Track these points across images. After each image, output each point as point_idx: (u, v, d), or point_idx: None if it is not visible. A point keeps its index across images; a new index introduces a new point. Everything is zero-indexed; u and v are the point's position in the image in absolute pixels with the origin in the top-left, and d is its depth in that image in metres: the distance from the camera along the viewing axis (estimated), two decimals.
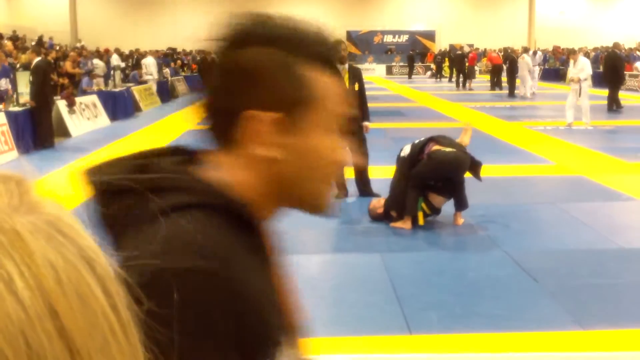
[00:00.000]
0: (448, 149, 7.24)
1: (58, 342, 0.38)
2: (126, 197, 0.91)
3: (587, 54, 36.60)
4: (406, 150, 7.52)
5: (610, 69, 20.82)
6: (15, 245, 0.38)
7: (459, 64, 32.87)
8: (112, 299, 0.42)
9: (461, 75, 32.19)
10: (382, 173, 8.81)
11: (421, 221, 7.39)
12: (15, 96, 13.72)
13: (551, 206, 8.37)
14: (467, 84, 31.42)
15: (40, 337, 0.37)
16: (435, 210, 7.50)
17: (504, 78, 27.97)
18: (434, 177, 7.30)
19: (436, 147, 7.27)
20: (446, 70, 40.74)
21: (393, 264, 6.19)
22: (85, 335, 0.39)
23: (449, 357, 4.41)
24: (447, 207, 7.51)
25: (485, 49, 43.67)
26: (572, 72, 16.61)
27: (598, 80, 31.55)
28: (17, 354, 0.36)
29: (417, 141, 7.55)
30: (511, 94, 26.09)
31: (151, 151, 1.10)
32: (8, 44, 21.76)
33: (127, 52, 30.10)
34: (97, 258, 0.42)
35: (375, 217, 7.67)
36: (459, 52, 34.72)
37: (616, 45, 23.31)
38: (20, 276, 0.38)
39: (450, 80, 37.81)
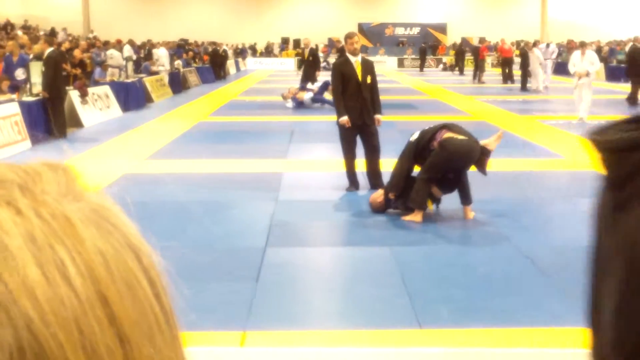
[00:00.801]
0: (460, 137, 7.20)
1: (109, 330, 0.38)
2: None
3: (599, 48, 36.48)
4: (415, 135, 7.51)
5: (632, 62, 20.71)
6: (67, 232, 0.39)
7: (474, 57, 32.85)
8: (156, 288, 0.42)
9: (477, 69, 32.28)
10: (393, 166, 8.80)
11: (430, 206, 7.43)
12: (28, 86, 13.79)
13: (563, 201, 8.34)
14: (479, 77, 31.32)
15: (92, 323, 0.38)
16: (435, 200, 7.51)
17: (517, 71, 27.83)
18: (447, 168, 7.27)
19: (448, 135, 7.22)
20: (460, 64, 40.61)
21: (403, 258, 6.19)
22: (134, 323, 0.40)
23: (459, 352, 4.42)
24: (457, 201, 7.50)
25: (497, 42, 43.51)
26: (579, 65, 16.37)
27: (612, 74, 31.44)
28: (69, 339, 0.37)
29: (427, 128, 7.51)
30: (523, 88, 25.97)
31: None
32: (23, 37, 21.83)
33: (139, 43, 30.09)
34: (142, 246, 0.43)
35: (377, 208, 7.68)
36: (478, 45, 34.66)
37: (637, 39, 23.16)
38: (72, 262, 0.38)
39: (461, 74, 37.73)
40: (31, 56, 15.42)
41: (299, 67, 23.11)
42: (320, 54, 26.12)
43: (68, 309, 0.37)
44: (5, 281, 0.36)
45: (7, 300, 0.36)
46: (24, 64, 14.41)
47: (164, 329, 0.42)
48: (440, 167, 7.25)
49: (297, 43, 50.54)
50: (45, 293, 0.37)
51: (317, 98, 18.75)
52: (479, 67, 31.80)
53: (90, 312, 0.38)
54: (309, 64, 20.86)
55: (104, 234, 0.40)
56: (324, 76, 21.25)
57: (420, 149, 7.34)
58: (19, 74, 14.14)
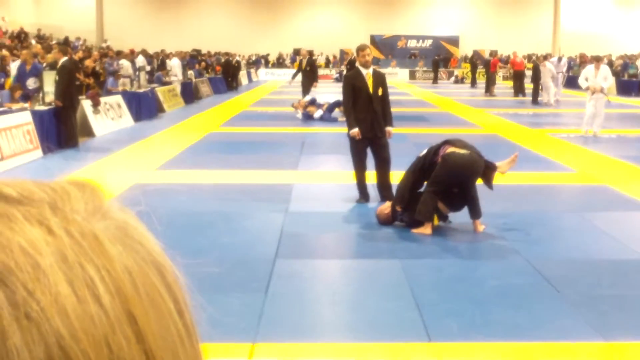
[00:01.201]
0: (462, 151, 7.25)
1: (136, 347, 0.39)
2: None
3: (611, 62, 36.39)
4: (423, 151, 7.61)
5: None
6: (96, 250, 0.40)
7: (485, 70, 32.89)
8: (179, 304, 0.44)
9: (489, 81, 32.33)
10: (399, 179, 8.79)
11: (436, 221, 7.45)
12: (41, 95, 13.87)
13: (573, 215, 8.31)
14: (490, 90, 31.33)
15: (120, 341, 0.39)
16: (442, 217, 7.54)
17: (529, 85, 27.82)
18: (450, 181, 7.31)
19: (451, 149, 7.30)
20: (468, 76, 40.67)
21: (413, 271, 6.17)
22: (159, 340, 0.41)
23: None
24: (467, 214, 7.49)
25: (509, 55, 43.49)
26: (592, 80, 15.95)
27: (623, 88, 31.33)
28: (99, 356, 0.38)
29: (434, 144, 7.60)
30: (534, 101, 25.94)
31: None
32: (37, 46, 21.98)
33: (152, 53, 30.26)
34: (165, 263, 0.44)
35: (384, 220, 7.69)
36: (489, 58, 34.73)
37: None
38: (101, 281, 0.39)
39: (472, 86, 37.73)
40: (44, 65, 15.51)
41: (293, 77, 22.29)
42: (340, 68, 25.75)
43: (98, 326, 0.38)
44: (37, 299, 0.37)
45: (39, 318, 0.37)
46: (37, 73, 14.50)
47: (187, 345, 0.43)
48: (443, 180, 7.30)
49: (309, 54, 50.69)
50: (75, 311, 0.38)
51: (326, 117, 18.82)
52: (490, 80, 31.81)
53: (118, 329, 0.39)
54: (306, 74, 20.61)
55: (130, 252, 0.42)
56: (336, 87, 21.25)
57: (427, 165, 7.41)
58: (31, 83, 14.22)
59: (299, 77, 21.60)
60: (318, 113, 19.04)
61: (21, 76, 14.65)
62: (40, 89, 13.95)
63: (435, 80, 43.07)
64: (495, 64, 32.23)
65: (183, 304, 0.44)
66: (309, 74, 20.64)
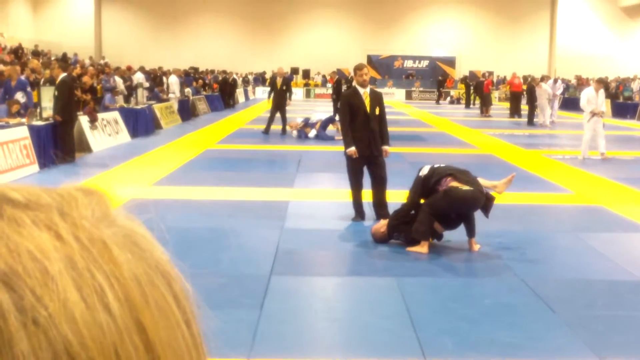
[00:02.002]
0: (465, 188, 7.24)
1: (145, 357, 0.39)
2: None
3: (607, 85, 36.54)
4: (424, 171, 7.56)
5: None
6: (105, 257, 0.39)
7: (480, 90, 33.05)
8: (187, 315, 0.43)
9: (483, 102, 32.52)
10: (400, 197, 8.81)
11: (430, 240, 7.50)
12: (38, 111, 13.89)
13: (569, 235, 8.32)
14: (484, 111, 31.47)
15: (129, 350, 0.38)
16: (438, 236, 7.56)
17: (524, 106, 27.93)
18: (449, 212, 7.39)
19: (454, 184, 7.28)
20: (464, 96, 40.87)
21: (408, 289, 6.18)
22: (168, 350, 0.40)
23: None
24: (463, 232, 7.50)
25: (505, 77, 43.78)
26: (595, 103, 15.49)
27: (618, 110, 31.49)
28: None
29: (437, 166, 7.57)
30: (530, 122, 26.04)
31: None
32: (34, 61, 22.04)
33: (149, 69, 30.34)
34: (172, 272, 0.44)
35: (379, 239, 7.70)
36: (482, 79, 34.89)
37: None
38: (110, 288, 0.38)
39: (467, 107, 37.91)
40: (42, 80, 15.55)
41: (269, 96, 20.85)
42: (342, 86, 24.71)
43: (106, 334, 0.37)
44: (45, 305, 0.36)
45: (47, 324, 0.36)
46: (23, 87, 14.57)
47: (194, 356, 0.43)
48: (443, 210, 7.37)
49: (306, 73, 50.85)
50: (84, 318, 0.37)
51: (321, 135, 18.93)
52: (484, 101, 32.01)
53: (127, 338, 0.38)
54: (280, 94, 19.79)
55: (138, 260, 0.41)
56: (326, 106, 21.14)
57: (427, 188, 7.41)
58: (19, 97, 14.27)
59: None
60: (312, 133, 19.15)
61: (7, 92, 14.69)
62: (32, 104, 13.99)
63: (438, 100, 43.22)
64: (489, 84, 32.35)
65: (190, 314, 0.43)
66: (284, 93, 20.05)
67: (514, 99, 30.20)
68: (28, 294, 0.36)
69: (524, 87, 30.43)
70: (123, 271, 0.40)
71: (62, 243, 0.39)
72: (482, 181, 7.67)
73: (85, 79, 19.34)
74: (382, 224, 7.76)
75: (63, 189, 0.44)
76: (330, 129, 19.03)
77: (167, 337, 0.40)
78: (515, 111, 29.79)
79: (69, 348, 0.36)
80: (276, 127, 20.04)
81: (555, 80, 28.93)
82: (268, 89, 23.14)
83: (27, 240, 0.38)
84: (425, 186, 7.45)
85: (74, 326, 0.37)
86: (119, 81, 21.61)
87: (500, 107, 36.09)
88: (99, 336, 0.37)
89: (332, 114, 21.92)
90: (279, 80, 20.18)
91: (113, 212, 0.44)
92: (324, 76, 49.89)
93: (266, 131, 19.84)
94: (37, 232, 0.39)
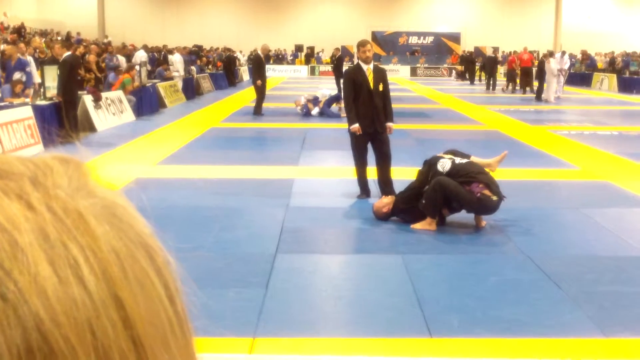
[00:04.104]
0: (495, 198, 7.25)
1: (123, 333, 0.36)
2: None
3: (613, 59, 36.38)
4: (445, 167, 7.43)
5: None
6: (80, 229, 0.37)
7: (489, 67, 32.82)
8: (170, 290, 0.40)
9: (491, 79, 32.29)
10: (404, 174, 8.79)
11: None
12: (42, 90, 13.87)
13: (575, 211, 8.30)
14: (492, 86, 31.24)
15: (105, 326, 0.36)
16: (442, 219, 7.55)
17: (535, 82, 27.70)
18: (467, 209, 7.40)
19: (487, 192, 7.22)
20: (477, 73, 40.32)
21: (414, 266, 6.17)
22: (148, 326, 0.38)
23: None
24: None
25: (510, 52, 43.51)
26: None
27: (624, 85, 31.30)
28: (82, 342, 0.35)
29: (458, 161, 7.47)
30: (538, 98, 25.88)
31: None
32: (36, 40, 21.98)
33: (152, 47, 30.27)
34: (155, 246, 0.41)
35: (380, 217, 7.68)
36: (491, 55, 34.61)
37: None
38: (85, 261, 0.36)
39: (471, 83, 37.70)
40: (46, 59, 15.54)
41: (256, 78, 19.07)
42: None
43: (81, 310, 0.35)
44: (15, 279, 0.34)
45: (16, 299, 0.34)
46: (22, 67, 14.56)
47: (178, 334, 0.40)
48: (462, 206, 7.36)
49: (311, 50, 50.59)
50: (57, 293, 0.35)
51: (326, 112, 18.86)
52: (492, 77, 31.80)
53: (104, 314, 0.36)
54: (262, 72, 18.78)
55: (117, 232, 0.39)
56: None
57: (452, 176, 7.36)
58: (17, 76, 14.27)
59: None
60: (315, 110, 19.04)
61: (7, 71, 14.69)
62: (27, 83, 14.01)
63: (472, 80, 38.87)
64: (512, 61, 31.01)
65: (174, 289, 0.41)
66: (256, 69, 18.92)
67: (525, 74, 29.87)
68: None
69: (535, 62, 30.19)
70: (100, 243, 0.37)
71: (33, 213, 0.36)
72: (476, 159, 7.66)
73: (91, 57, 19.28)
74: (385, 203, 7.72)
75: (39, 157, 0.41)
76: (333, 106, 18.96)
77: (147, 314, 0.38)
78: (527, 85, 29.41)
79: (39, 325, 0.34)
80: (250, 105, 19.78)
81: (563, 54, 28.64)
82: (273, 66, 22.20)
83: None
84: (436, 173, 7.45)
85: (45, 302, 0.34)
86: (121, 60, 21.53)
87: (504, 82, 35.88)
88: (72, 312, 0.35)
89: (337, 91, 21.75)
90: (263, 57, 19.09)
91: (92, 183, 0.41)
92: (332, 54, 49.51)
93: (258, 112, 19.22)
94: (6, 202, 0.36)
